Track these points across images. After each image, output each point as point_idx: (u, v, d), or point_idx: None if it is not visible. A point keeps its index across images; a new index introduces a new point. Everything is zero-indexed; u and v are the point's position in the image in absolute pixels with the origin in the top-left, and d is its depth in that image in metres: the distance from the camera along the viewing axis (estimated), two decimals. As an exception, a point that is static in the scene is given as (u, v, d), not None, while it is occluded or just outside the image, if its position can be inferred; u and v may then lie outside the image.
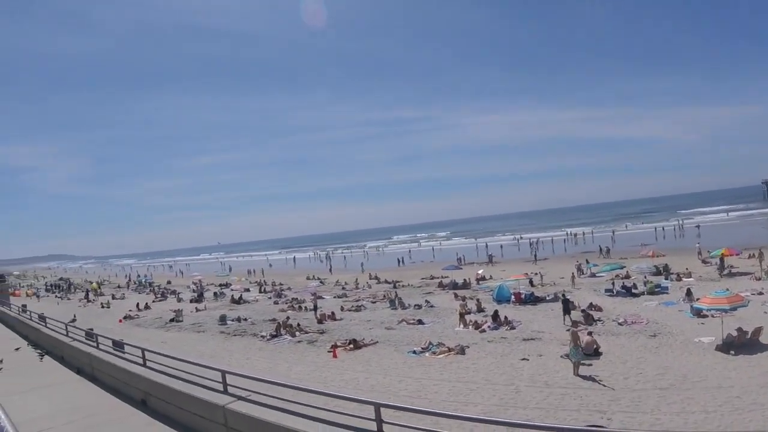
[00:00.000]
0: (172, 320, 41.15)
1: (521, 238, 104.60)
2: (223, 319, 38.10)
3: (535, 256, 65.35)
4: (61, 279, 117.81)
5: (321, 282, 61.21)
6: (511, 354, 22.13)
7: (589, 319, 26.35)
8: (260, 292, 56.94)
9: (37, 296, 74.23)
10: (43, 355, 16.91)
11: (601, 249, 63.59)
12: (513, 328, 27.03)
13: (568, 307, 28.51)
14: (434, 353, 22.88)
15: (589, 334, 21.79)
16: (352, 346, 25.50)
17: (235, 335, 32.94)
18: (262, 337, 31.02)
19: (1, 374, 14.72)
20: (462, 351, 22.66)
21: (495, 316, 28.66)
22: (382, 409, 5.92)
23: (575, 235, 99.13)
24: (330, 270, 79.83)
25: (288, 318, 34.94)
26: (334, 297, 47.31)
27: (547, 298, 34.31)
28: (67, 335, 16.88)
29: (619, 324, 26.03)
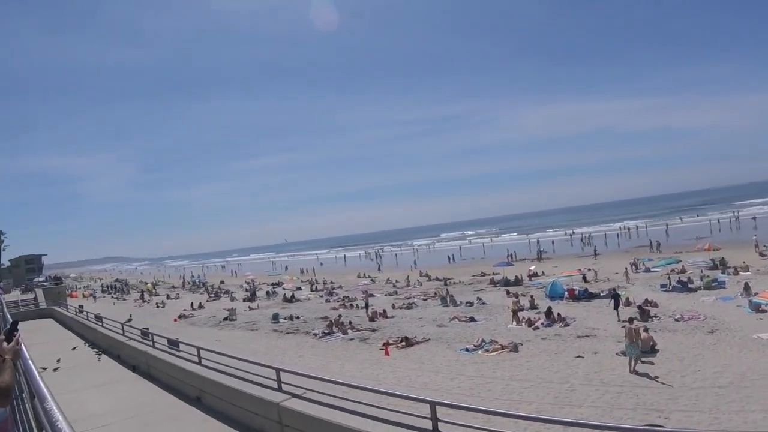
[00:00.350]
0: (225, 319, 41.75)
1: (573, 233, 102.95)
2: (275, 318, 38.50)
3: (595, 251, 64.01)
4: (116, 280, 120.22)
5: (372, 280, 61.36)
6: (565, 351, 21.83)
7: (644, 315, 25.81)
8: (312, 290, 57.46)
9: (94, 297, 76.06)
10: (100, 354, 17.27)
11: (651, 243, 61.84)
12: (567, 325, 26.65)
13: (618, 301, 28.23)
14: (487, 351, 22.70)
15: (645, 330, 21.35)
16: (404, 343, 25.47)
17: (287, 333, 33.23)
18: (315, 335, 31.23)
19: (61, 372, 15.06)
20: (515, 348, 22.46)
21: (548, 312, 28.31)
22: (438, 407, 5.90)
23: (628, 229, 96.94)
24: (379, 268, 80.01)
25: (340, 316, 35.12)
26: (385, 295, 47.33)
27: (601, 294, 33.68)
28: (123, 334, 17.21)
29: (676, 320, 25.43)
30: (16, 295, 59.36)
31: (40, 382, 3.70)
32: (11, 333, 3.59)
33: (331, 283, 61.34)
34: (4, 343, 3.47)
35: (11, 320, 3.73)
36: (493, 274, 50.88)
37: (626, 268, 42.73)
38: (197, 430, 8.56)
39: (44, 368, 15.33)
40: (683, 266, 41.56)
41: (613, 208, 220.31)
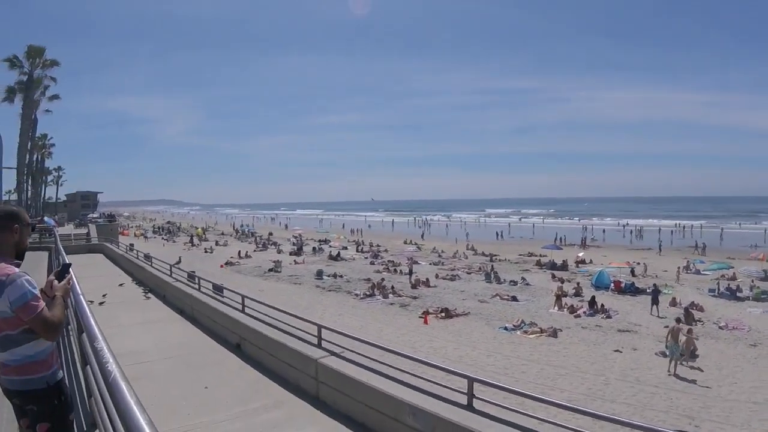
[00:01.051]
0: (270, 270, 42.47)
1: (626, 224, 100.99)
2: (319, 274, 38.99)
3: (660, 246, 61.11)
4: (168, 222, 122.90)
5: (418, 247, 61.28)
6: (604, 344, 21.58)
7: (689, 318, 25.28)
8: (357, 251, 57.76)
9: (145, 237, 78.09)
10: (148, 293, 17.66)
11: (696, 245, 60.01)
12: (609, 317, 26.33)
13: (657, 297, 27.90)
14: (526, 332, 22.63)
15: (689, 332, 21.00)
16: (443, 314, 25.55)
17: (329, 291, 33.64)
18: (356, 295, 31.55)
19: (107, 307, 15.45)
20: (554, 334, 22.32)
21: (592, 302, 28.00)
22: (474, 383, 5.91)
23: (683, 227, 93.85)
24: (422, 236, 79.28)
25: (382, 279, 35.36)
26: (430, 264, 47.28)
27: (648, 291, 33.08)
28: (170, 276, 17.55)
29: (720, 327, 24.82)
30: (69, 229, 60.98)
31: (92, 320, 3.82)
32: (63, 273, 3.79)
33: (377, 246, 61.65)
34: (56, 282, 3.68)
35: (63, 262, 3.89)
36: (541, 255, 50.36)
37: (678, 268, 41.45)
38: (235, 376, 8.70)
39: (91, 301, 15.74)
40: (734, 273, 40.12)
41: (671, 203, 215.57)
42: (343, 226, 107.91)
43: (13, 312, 3.33)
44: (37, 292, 3.41)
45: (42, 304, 3.40)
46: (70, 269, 3.88)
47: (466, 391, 5.82)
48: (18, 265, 3.56)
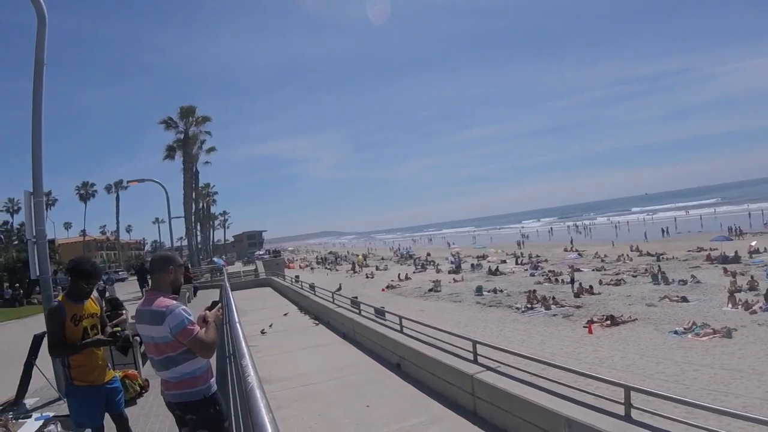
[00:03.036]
0: (430, 290, 42.72)
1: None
2: (479, 290, 38.78)
3: None
4: (330, 252, 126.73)
5: (579, 254, 59.33)
6: (784, 340, 20.02)
7: None
8: (516, 263, 56.93)
9: (311, 268, 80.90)
10: (313, 320, 18.52)
11: None
12: (789, 309, 24.32)
13: None
14: (697, 335, 21.38)
15: None
16: (609, 322, 24.74)
17: (490, 306, 33.39)
18: (517, 308, 31.15)
19: (277, 335, 16.39)
20: (728, 334, 20.94)
21: (768, 295, 26.11)
22: (632, 393, 5.79)
23: None
24: (571, 241, 76.57)
25: (534, 291, 34.64)
26: (593, 270, 45.71)
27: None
28: (333, 302, 18.30)
29: None
30: (238, 266, 64.92)
31: (242, 344, 4.30)
32: (212, 308, 4.48)
33: (537, 256, 60.43)
34: (209, 312, 4.37)
35: (213, 300, 4.65)
36: (711, 249, 47.24)
37: None
38: (395, 394, 8.97)
39: (263, 331, 16.81)
40: None
41: None
42: (491, 240, 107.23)
43: (174, 337, 4.02)
44: (192, 318, 4.10)
45: (197, 328, 4.08)
46: (218, 304, 4.55)
47: (623, 402, 5.73)
48: (175, 299, 4.17)
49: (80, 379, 5.34)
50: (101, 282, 31.31)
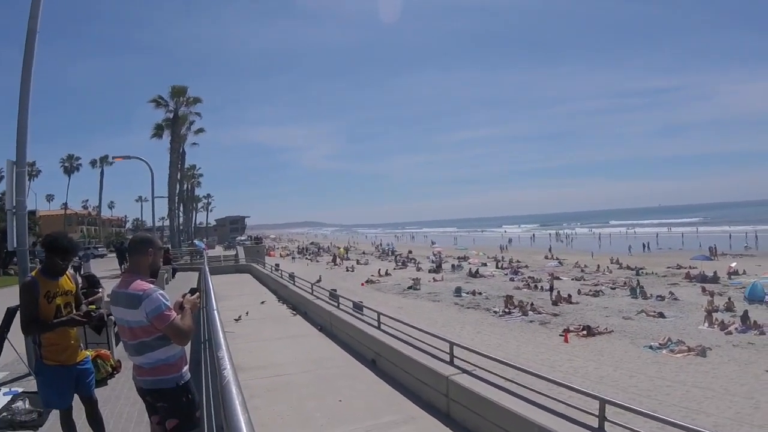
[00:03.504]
0: (409, 288, 42.78)
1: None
2: (458, 291, 38.83)
3: None
4: (311, 243, 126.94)
5: (560, 262, 59.45)
6: (756, 363, 19.87)
7: None
8: (497, 267, 57.02)
9: (293, 258, 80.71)
10: (291, 310, 18.45)
11: None
12: (763, 333, 24.25)
13: None
14: (672, 351, 21.48)
15: None
16: (585, 332, 24.80)
17: (468, 308, 33.43)
18: (495, 312, 31.20)
19: (253, 322, 16.33)
20: (703, 353, 21.04)
21: (744, 317, 26.20)
22: (607, 405, 5.75)
23: None
24: (550, 249, 77.13)
25: (511, 296, 34.72)
26: (572, 279, 45.83)
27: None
28: (312, 293, 18.24)
29: None
30: (219, 251, 64.74)
31: (219, 333, 4.19)
32: (192, 293, 4.36)
33: (518, 261, 60.64)
34: (187, 296, 4.26)
35: (191, 287, 4.51)
36: (690, 267, 47.49)
37: None
38: (369, 390, 8.93)
39: (239, 317, 16.71)
40: None
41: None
42: (473, 242, 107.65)
43: (149, 321, 3.90)
44: (169, 304, 3.99)
45: (174, 314, 3.96)
46: (196, 292, 4.51)
47: (597, 414, 5.70)
48: (153, 283, 4.06)
49: (51, 358, 5.19)
50: (77, 258, 31.06)
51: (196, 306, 4.31)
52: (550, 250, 75.87)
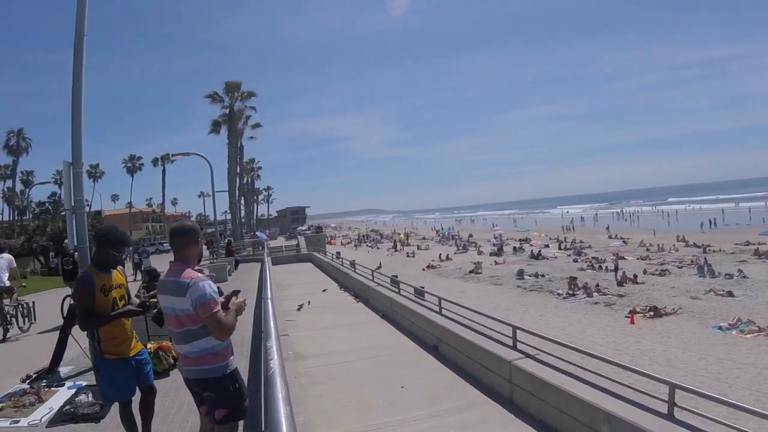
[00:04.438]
0: (471, 272, 42.58)
1: None
2: (520, 274, 38.51)
3: None
4: (372, 230, 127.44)
5: (624, 242, 58.28)
6: (832, 341, 19.27)
7: None
8: (560, 249, 56.36)
9: (356, 246, 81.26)
10: (352, 298, 18.53)
11: None
12: (844, 309, 23.41)
13: None
14: (742, 332, 20.79)
15: None
16: (652, 313, 24.27)
17: (531, 290, 33.11)
18: (558, 294, 30.82)
19: (314, 310, 16.44)
20: (775, 332, 20.39)
21: (818, 294, 25.20)
22: (677, 390, 5.54)
23: None
24: (606, 228, 75.53)
25: (575, 278, 34.15)
26: (637, 258, 44.89)
27: None
28: (372, 280, 18.27)
29: None
30: (281, 241, 65.64)
31: (271, 323, 4.18)
32: (233, 295, 4.32)
33: (581, 242, 59.78)
34: (234, 298, 4.26)
35: (234, 289, 4.49)
36: (759, 244, 45.89)
37: None
38: (431, 376, 8.87)
39: (300, 306, 16.85)
40: None
41: None
42: (535, 223, 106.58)
43: (195, 309, 3.91)
44: (216, 295, 4.00)
45: (218, 307, 3.97)
46: (238, 293, 4.47)
47: (666, 399, 5.50)
48: (200, 271, 4.05)
49: (110, 351, 5.24)
50: (136, 255, 31.85)
51: (241, 309, 4.30)
52: (607, 229, 74.93)
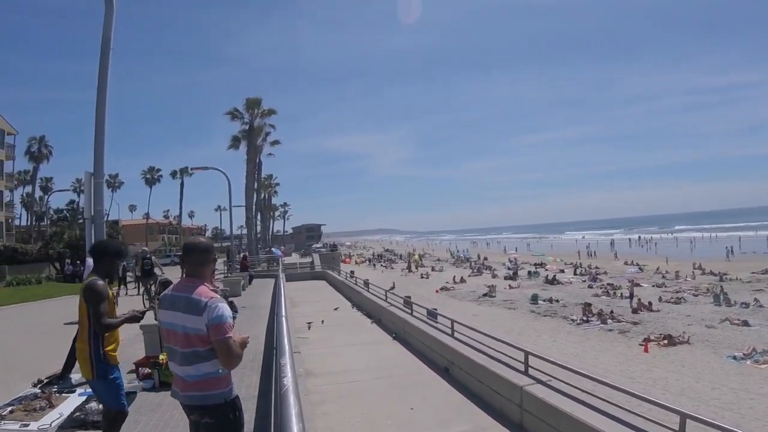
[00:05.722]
0: (485, 295, 42.36)
1: None
2: (534, 299, 38.27)
3: None
4: (386, 250, 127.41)
5: (640, 268, 58.02)
6: None
7: None
8: (575, 274, 56.00)
9: (373, 265, 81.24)
10: (365, 317, 18.56)
11: None
12: None
13: None
14: (756, 362, 20.61)
15: None
16: (666, 341, 24.05)
17: (544, 316, 32.91)
18: (572, 320, 30.63)
19: (326, 328, 16.48)
20: (790, 363, 20.17)
21: (835, 325, 24.92)
22: (688, 420, 5.53)
23: None
24: (616, 255, 74.87)
25: (589, 304, 33.93)
26: (653, 286, 44.52)
27: None
28: (385, 300, 18.28)
29: None
30: (295, 258, 65.83)
31: (285, 340, 4.21)
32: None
33: (596, 268, 59.38)
34: (239, 333, 4.09)
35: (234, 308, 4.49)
36: (777, 272, 45.63)
37: None
38: (441, 399, 8.88)
39: (310, 323, 16.89)
40: None
41: None
42: (551, 247, 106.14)
43: (208, 330, 3.78)
44: (231, 321, 3.88)
45: (231, 333, 3.85)
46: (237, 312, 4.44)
47: (677, 429, 5.49)
48: (215, 291, 4.05)
49: (114, 359, 5.34)
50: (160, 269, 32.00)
51: (245, 344, 4.12)
52: (616, 256, 74.72)
